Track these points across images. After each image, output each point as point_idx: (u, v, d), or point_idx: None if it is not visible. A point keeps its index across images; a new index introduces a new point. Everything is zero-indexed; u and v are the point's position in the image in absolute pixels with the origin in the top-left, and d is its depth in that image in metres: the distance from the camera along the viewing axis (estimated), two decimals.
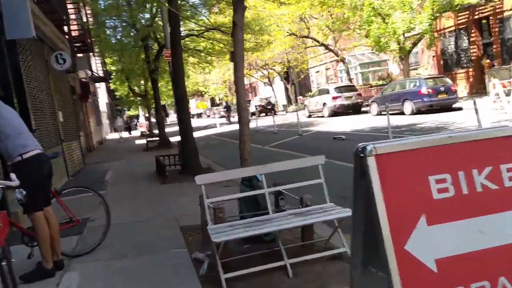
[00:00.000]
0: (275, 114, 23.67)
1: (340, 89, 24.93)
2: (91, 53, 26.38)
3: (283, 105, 46.94)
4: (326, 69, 42.73)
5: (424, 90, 18.26)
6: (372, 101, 21.43)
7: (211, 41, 20.04)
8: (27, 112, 8.19)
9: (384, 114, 20.38)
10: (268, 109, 40.01)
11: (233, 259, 3.87)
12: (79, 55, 20.34)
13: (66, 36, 13.15)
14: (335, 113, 24.68)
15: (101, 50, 24.30)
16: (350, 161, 7.03)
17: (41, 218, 3.87)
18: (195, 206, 6.54)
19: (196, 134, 10.87)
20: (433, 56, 28.37)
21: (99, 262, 4.37)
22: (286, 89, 47.51)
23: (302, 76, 41.83)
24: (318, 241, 4.21)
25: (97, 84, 34.95)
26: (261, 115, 40.53)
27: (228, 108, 43.83)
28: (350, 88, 25.48)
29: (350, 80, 29.47)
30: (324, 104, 25.20)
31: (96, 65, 31.93)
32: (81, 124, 19.77)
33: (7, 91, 8.03)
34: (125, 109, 58.05)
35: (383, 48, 21.83)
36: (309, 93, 43.19)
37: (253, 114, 42.62)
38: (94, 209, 6.62)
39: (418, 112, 18.38)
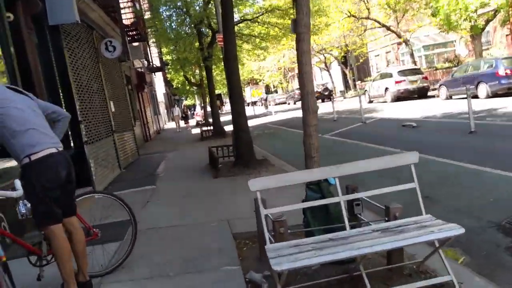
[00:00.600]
0: (333, 100, 22.50)
1: (404, 72, 23.21)
2: (147, 43, 26.31)
3: (341, 91, 45.29)
4: (387, 52, 40.58)
5: (501, 72, 16.38)
6: (441, 85, 19.66)
7: (266, 25, 19.10)
8: (72, 102, 7.71)
9: (455, 99, 18.69)
10: (325, 95, 38.68)
11: (299, 287, 3.00)
12: (134, 44, 20.13)
13: (118, 24, 12.69)
14: (399, 98, 23.07)
15: (157, 40, 24.08)
16: (427, 152, 5.78)
17: (59, 232, 3.15)
18: (250, 206, 5.73)
19: (250, 123, 10.09)
20: (507, 35, 25.87)
21: (135, 282, 3.64)
22: (344, 74, 45.74)
23: (361, 60, 39.95)
24: (410, 263, 3.24)
25: (154, 74, 35.16)
26: (318, 101, 39.23)
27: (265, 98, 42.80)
28: (415, 71, 23.65)
29: (414, 62, 27.50)
30: (387, 88, 23.60)
31: (151, 55, 31.99)
32: (137, 114, 19.61)
33: (51, 80, 7.58)
34: (183, 98, 58.62)
35: (453, 27, 19.91)
36: (369, 78, 41.26)
37: None
38: (138, 210, 5.99)
39: (495, 95, 16.55)
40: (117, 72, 13.38)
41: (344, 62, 43.60)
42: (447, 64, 30.54)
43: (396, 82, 22.84)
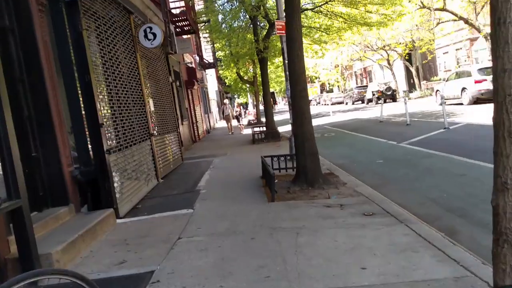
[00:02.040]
0: (406, 102, 19.92)
1: (485, 70, 20.25)
2: (198, 37, 24.89)
3: (404, 91, 42.14)
4: (457, 49, 37.12)
5: None
6: None
7: (329, 16, 16.98)
8: (91, 99, 6.06)
9: None
10: (388, 95, 35.82)
11: None
12: (184, 36, 18.66)
13: (161, 9, 11.07)
14: (478, 100, 20.19)
15: (210, 33, 22.59)
16: None
17: None
18: (330, 259, 3.79)
19: None
20: None
21: None
22: (408, 73, 42.55)
23: (429, 58, 36.74)
24: None
25: (206, 71, 33.84)
26: (379, 101, 36.52)
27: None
28: None
29: None
30: (464, 89, 20.75)
31: (203, 50, 30.68)
32: (185, 113, 18.15)
33: (67, 72, 5.98)
34: (235, 96, 57.39)
35: None
36: (436, 77, 37.95)
37: (369, 101, 38.68)
38: (163, 254, 4.18)
39: None
40: (161, 66, 11.80)
41: (409, 59, 40.48)
42: None
43: (476, 82, 19.96)
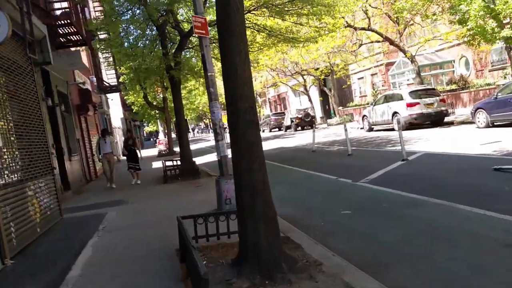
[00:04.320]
0: (315, 127, 18.00)
1: (417, 93, 18.95)
2: (91, 50, 21.04)
3: (321, 117, 41.09)
4: (372, 75, 36.77)
5: None
6: (478, 108, 15.29)
7: (252, 27, 14.37)
8: None
9: (497, 126, 14.35)
10: (307, 121, 34.21)
11: None
12: (73, 49, 15.00)
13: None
14: (411, 125, 18.74)
15: (107, 50, 18.92)
16: None
17: None
18: None
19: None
20: None
21: None
22: (324, 99, 41.69)
23: (348, 83, 35.94)
24: None
25: (108, 95, 29.66)
26: (298, 129, 34.79)
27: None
28: (430, 92, 19.43)
29: (422, 83, 23.34)
30: (395, 113, 19.18)
31: (100, 68, 26.78)
32: (75, 145, 14.34)
33: None
34: (145, 124, 53.41)
35: (489, 38, 15.72)
36: (352, 103, 37.27)
37: (288, 128, 36.83)
38: None
39: None
40: (26, 82, 8.12)
41: (324, 85, 39.58)
42: (449, 87, 26.80)
43: (408, 105, 18.53)
